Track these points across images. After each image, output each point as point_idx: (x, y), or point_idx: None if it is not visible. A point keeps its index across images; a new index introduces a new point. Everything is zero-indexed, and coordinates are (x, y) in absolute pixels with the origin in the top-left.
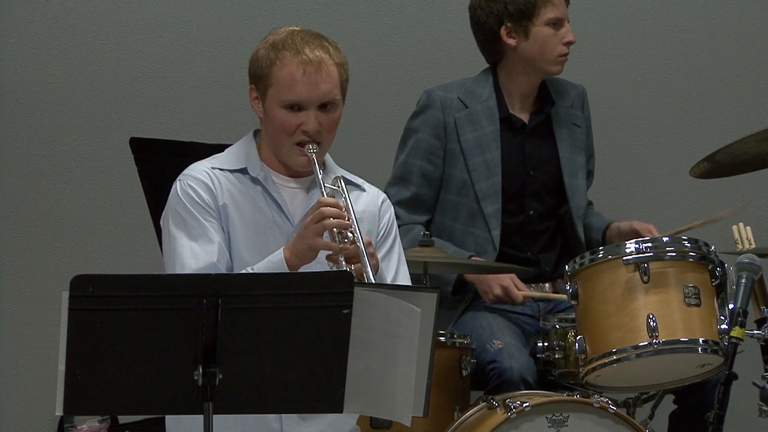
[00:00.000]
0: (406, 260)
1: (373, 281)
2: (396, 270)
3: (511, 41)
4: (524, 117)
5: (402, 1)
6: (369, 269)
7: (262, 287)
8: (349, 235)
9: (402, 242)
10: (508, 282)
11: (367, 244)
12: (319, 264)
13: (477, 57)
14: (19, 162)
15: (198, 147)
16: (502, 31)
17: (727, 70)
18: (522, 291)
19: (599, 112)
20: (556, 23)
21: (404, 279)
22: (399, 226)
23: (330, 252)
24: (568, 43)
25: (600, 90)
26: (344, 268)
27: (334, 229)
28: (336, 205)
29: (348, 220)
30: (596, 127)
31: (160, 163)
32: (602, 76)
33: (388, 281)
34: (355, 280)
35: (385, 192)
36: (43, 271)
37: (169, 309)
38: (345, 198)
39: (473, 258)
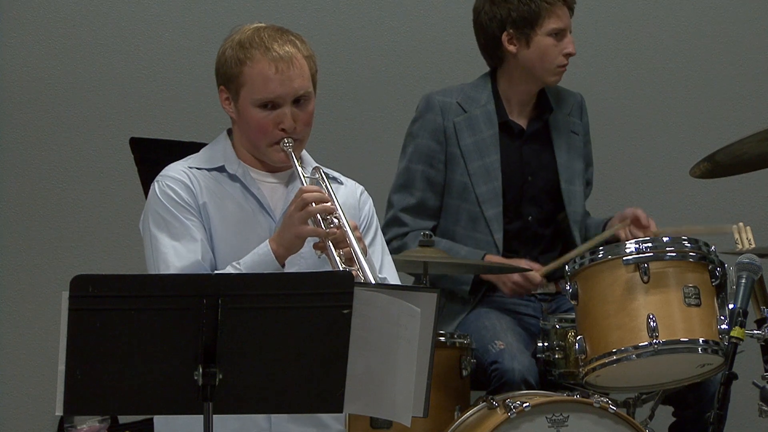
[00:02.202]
0: (407, 261)
1: (364, 264)
2: (381, 261)
3: (512, 48)
4: (522, 122)
5: (402, 2)
6: (359, 251)
7: (262, 287)
8: (335, 220)
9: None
10: (525, 265)
11: (353, 228)
12: (302, 258)
13: (478, 60)
14: (19, 162)
15: (198, 147)
16: (504, 37)
17: (727, 70)
18: (539, 271)
19: (599, 112)
20: (558, 34)
21: (390, 269)
22: (406, 234)
23: (317, 240)
24: (568, 55)
25: (600, 90)
26: (333, 254)
27: (319, 216)
28: (318, 191)
29: (332, 204)
30: (596, 127)
31: (160, 163)
32: (602, 76)
33: (376, 270)
34: (345, 266)
35: (389, 199)
36: (43, 271)
37: (169, 309)
38: (326, 186)
39: (487, 256)
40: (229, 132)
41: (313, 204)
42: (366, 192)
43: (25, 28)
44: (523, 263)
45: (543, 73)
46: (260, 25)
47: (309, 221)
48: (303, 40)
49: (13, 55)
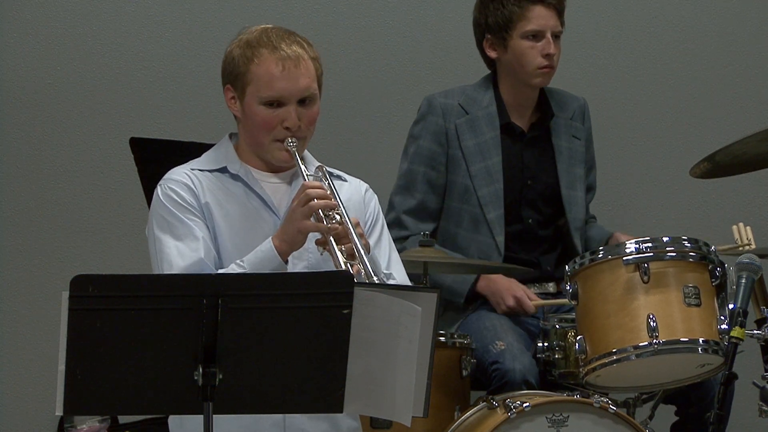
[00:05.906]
0: (407, 261)
1: (365, 259)
2: (388, 257)
3: (493, 53)
4: (523, 125)
5: (403, 2)
6: (360, 247)
7: (262, 287)
8: (336, 216)
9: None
10: (521, 293)
11: (355, 225)
12: (309, 253)
13: (478, 61)
14: (19, 162)
15: (198, 147)
16: (485, 44)
17: (727, 70)
18: (534, 301)
19: (599, 113)
20: (535, 35)
21: (397, 265)
22: (407, 237)
23: (319, 236)
24: (548, 56)
25: (600, 90)
26: (334, 249)
27: (321, 212)
28: (321, 187)
29: (334, 200)
30: (596, 128)
31: (160, 163)
32: (602, 75)
33: (383, 267)
34: (347, 260)
35: (390, 201)
36: (43, 271)
37: (169, 309)
38: (329, 183)
39: (481, 279)
40: (231, 136)
41: (316, 200)
42: (371, 189)
43: (25, 28)
44: (520, 290)
45: (525, 76)
46: (268, 26)
47: (312, 217)
48: (309, 43)
49: (13, 55)
